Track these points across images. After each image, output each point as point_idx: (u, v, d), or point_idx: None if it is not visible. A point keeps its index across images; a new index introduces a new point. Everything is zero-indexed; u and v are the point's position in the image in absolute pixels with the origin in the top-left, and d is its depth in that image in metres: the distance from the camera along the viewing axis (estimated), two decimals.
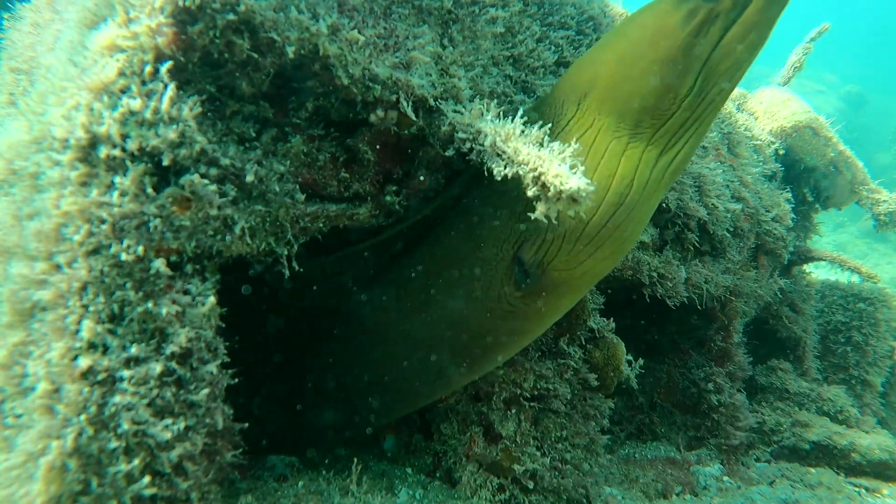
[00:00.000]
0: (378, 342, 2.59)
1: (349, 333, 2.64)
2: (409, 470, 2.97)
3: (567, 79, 2.29)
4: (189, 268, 1.71)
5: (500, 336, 2.41)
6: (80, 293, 1.55)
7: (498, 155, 1.91)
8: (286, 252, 1.94)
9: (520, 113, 1.99)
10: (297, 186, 1.92)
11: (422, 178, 2.27)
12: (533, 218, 1.85)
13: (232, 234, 1.76)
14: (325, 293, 2.58)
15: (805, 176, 5.37)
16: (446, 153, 2.08)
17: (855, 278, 6.01)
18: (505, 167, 1.89)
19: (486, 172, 1.93)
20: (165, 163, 1.60)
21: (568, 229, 2.14)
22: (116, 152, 1.56)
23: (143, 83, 1.57)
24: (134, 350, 1.58)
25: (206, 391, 1.68)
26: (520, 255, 2.21)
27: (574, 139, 2.10)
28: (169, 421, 1.61)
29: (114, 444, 1.54)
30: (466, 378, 2.65)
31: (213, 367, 1.70)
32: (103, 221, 1.56)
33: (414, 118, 1.97)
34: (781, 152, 5.04)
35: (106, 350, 1.56)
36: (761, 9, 1.97)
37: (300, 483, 2.37)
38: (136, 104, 1.55)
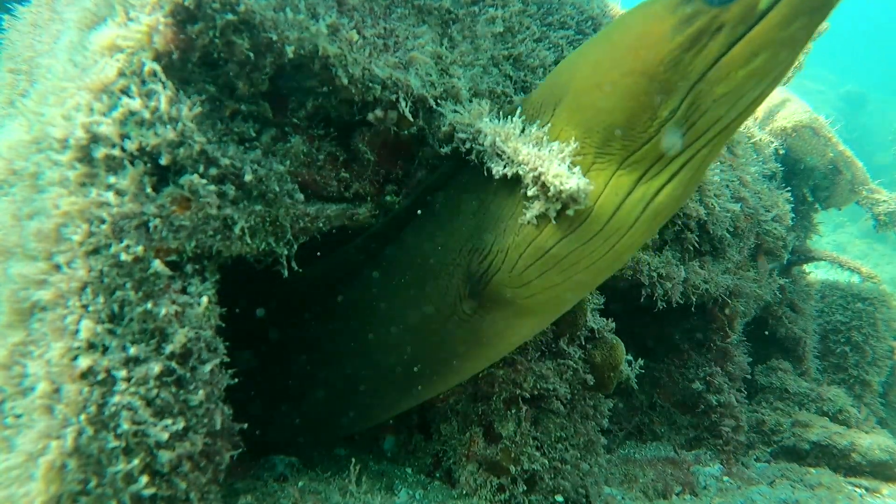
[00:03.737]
0: (345, 346, 2.54)
1: (320, 336, 2.61)
2: (408, 470, 2.97)
3: (547, 80, 2.08)
4: (189, 268, 1.71)
5: (457, 347, 2.28)
6: (79, 293, 1.55)
7: (498, 155, 1.91)
8: (286, 252, 1.94)
9: (518, 112, 1.99)
10: (297, 186, 1.92)
11: (421, 178, 2.27)
12: (529, 220, 1.85)
13: (232, 234, 1.76)
14: (307, 296, 2.55)
15: (805, 176, 5.37)
16: (446, 153, 2.08)
17: (855, 278, 6.02)
18: (504, 167, 1.89)
19: (458, 171, 1.91)
20: (165, 163, 1.60)
21: (510, 245, 1.94)
22: (116, 152, 1.56)
23: (143, 83, 1.57)
24: (133, 350, 1.58)
25: (205, 391, 1.68)
26: (469, 265, 2.08)
27: None
28: (168, 421, 1.61)
29: (113, 443, 1.54)
30: (434, 388, 2.56)
31: (212, 367, 1.70)
32: (103, 221, 1.56)
33: (413, 118, 1.97)
34: (781, 152, 5.05)
35: (105, 350, 1.56)
36: (778, 25, 1.55)
37: (300, 483, 2.37)
38: (135, 104, 1.55)
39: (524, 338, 2.46)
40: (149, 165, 1.60)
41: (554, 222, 1.83)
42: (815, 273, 6.41)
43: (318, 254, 2.35)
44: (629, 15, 1.87)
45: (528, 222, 1.89)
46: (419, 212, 2.25)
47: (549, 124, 1.91)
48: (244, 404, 1.97)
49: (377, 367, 2.49)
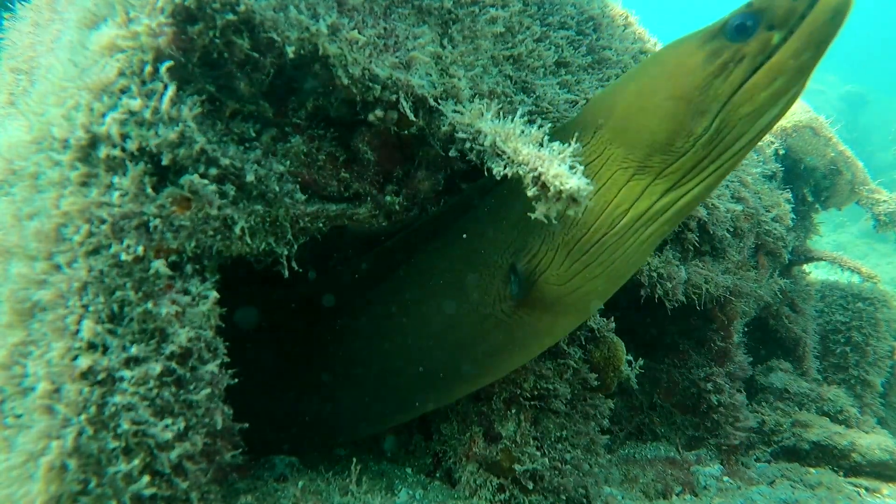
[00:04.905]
0: (376, 345, 2.59)
1: (349, 337, 2.65)
2: (408, 470, 2.97)
3: (587, 108, 2.30)
4: (189, 268, 1.71)
5: (494, 347, 2.39)
6: (79, 293, 1.55)
7: (497, 155, 1.91)
8: (286, 252, 1.94)
9: (518, 112, 1.99)
10: (297, 186, 1.92)
11: (422, 178, 2.27)
12: (533, 218, 1.85)
13: (232, 234, 1.76)
14: (328, 297, 2.59)
15: (805, 176, 5.36)
16: (446, 153, 2.08)
17: (855, 278, 6.01)
18: (505, 167, 1.89)
19: (493, 180, 1.93)
20: (165, 163, 1.60)
21: (560, 244, 2.13)
22: (116, 152, 1.56)
23: (143, 83, 1.57)
24: (134, 350, 1.58)
25: (205, 391, 1.68)
26: (515, 264, 2.21)
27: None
28: (169, 421, 1.61)
29: (113, 443, 1.54)
30: (461, 389, 2.62)
31: (213, 367, 1.70)
32: (103, 221, 1.56)
33: (414, 118, 1.97)
34: (781, 152, 5.04)
35: (106, 350, 1.56)
36: (791, 56, 1.86)
37: (300, 483, 2.37)
38: (135, 104, 1.55)
39: (556, 338, 2.55)
40: (149, 165, 1.60)
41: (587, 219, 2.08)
42: (815, 273, 6.41)
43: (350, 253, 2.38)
44: (663, 52, 2.16)
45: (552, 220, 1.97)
46: (466, 214, 2.36)
47: (588, 146, 2.14)
48: (261, 406, 1.99)
49: (410, 369, 2.52)
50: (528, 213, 2.14)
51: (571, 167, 1.81)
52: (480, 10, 2.27)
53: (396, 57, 1.92)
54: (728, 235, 3.75)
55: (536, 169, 1.82)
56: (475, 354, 2.42)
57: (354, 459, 2.49)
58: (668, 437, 4.16)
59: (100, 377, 1.55)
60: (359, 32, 1.82)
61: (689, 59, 1.97)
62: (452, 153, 2.04)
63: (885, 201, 5.44)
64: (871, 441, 4.44)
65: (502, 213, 2.29)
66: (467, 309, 2.34)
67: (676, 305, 3.48)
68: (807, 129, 5.13)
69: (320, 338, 2.69)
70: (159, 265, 1.62)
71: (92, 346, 1.55)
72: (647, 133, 2.01)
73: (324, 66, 1.80)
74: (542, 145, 1.86)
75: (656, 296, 3.37)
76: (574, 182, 1.77)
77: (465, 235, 2.39)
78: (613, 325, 3.10)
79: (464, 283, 2.34)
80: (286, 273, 1.97)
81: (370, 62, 1.84)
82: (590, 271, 2.14)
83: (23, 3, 2.64)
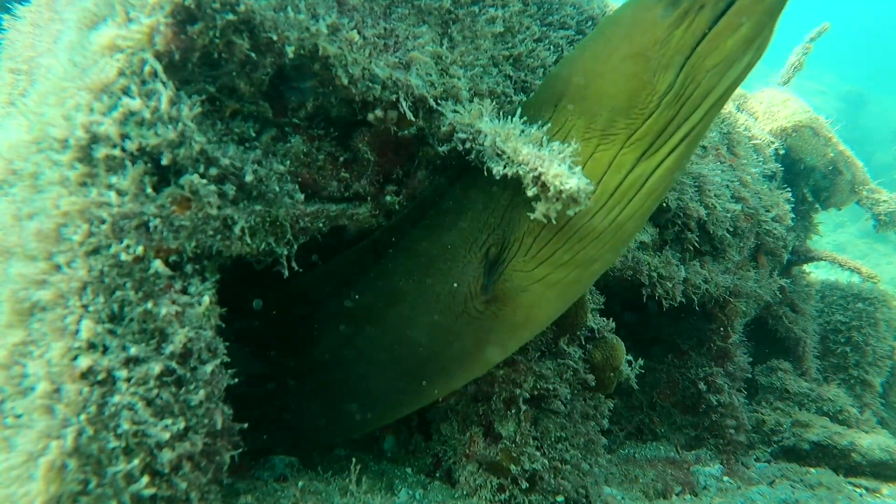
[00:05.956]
0: (351, 346, 2.54)
1: (326, 338, 2.61)
2: (408, 470, 2.97)
3: (546, 81, 2.22)
4: (189, 268, 1.71)
5: (468, 344, 2.33)
6: (79, 293, 1.55)
7: (498, 155, 1.91)
8: (286, 252, 1.94)
9: (518, 114, 1.99)
10: (297, 186, 1.92)
11: (421, 178, 2.27)
12: (532, 217, 1.85)
13: (232, 234, 1.76)
14: (306, 300, 2.55)
15: (805, 176, 5.37)
16: (445, 153, 2.08)
17: (855, 278, 6.02)
18: (504, 167, 1.89)
19: (464, 172, 1.92)
20: (165, 163, 1.60)
21: (526, 231, 2.06)
22: (116, 152, 1.56)
23: (143, 83, 1.57)
24: (133, 350, 1.58)
25: (205, 391, 1.68)
26: (488, 256, 2.15)
27: None
28: (168, 421, 1.61)
29: (113, 443, 1.54)
30: (439, 389, 2.58)
31: (212, 367, 1.70)
32: (103, 221, 1.56)
33: (413, 118, 1.97)
34: (781, 152, 5.05)
35: (105, 350, 1.56)
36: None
37: (300, 483, 2.37)
38: (135, 104, 1.55)
39: (533, 332, 2.49)
40: (149, 165, 1.60)
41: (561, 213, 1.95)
42: (815, 273, 6.41)
43: (315, 257, 2.35)
44: (619, 11, 2.05)
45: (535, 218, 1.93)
46: (428, 212, 2.29)
47: (551, 121, 2.02)
48: (251, 407, 1.97)
49: (388, 371, 2.48)
50: (490, 203, 2.05)
51: (571, 166, 1.81)
52: (480, 10, 2.27)
53: (396, 57, 1.92)
54: (728, 235, 3.75)
55: (536, 169, 1.82)
56: (451, 354, 2.37)
57: (354, 459, 2.49)
58: (668, 436, 4.16)
59: (100, 377, 1.55)
60: (358, 32, 1.82)
61: (646, 13, 1.87)
62: (443, 148, 2.03)
63: (885, 201, 5.45)
64: (871, 441, 4.44)
65: (466, 208, 2.22)
66: (439, 307, 2.27)
67: (675, 305, 3.49)
68: (807, 128, 5.13)
69: (300, 340, 2.66)
70: (159, 265, 1.62)
71: (92, 346, 1.55)
72: (606, 97, 1.90)
73: (324, 66, 1.80)
74: (541, 145, 1.86)
75: (657, 295, 3.37)
76: (574, 182, 1.78)
77: (430, 235, 2.30)
78: (613, 325, 3.10)
79: (434, 282, 2.27)
80: (286, 273, 1.96)
81: (370, 62, 1.84)
82: (557, 258, 2.06)
83: (22, 3, 2.64)
